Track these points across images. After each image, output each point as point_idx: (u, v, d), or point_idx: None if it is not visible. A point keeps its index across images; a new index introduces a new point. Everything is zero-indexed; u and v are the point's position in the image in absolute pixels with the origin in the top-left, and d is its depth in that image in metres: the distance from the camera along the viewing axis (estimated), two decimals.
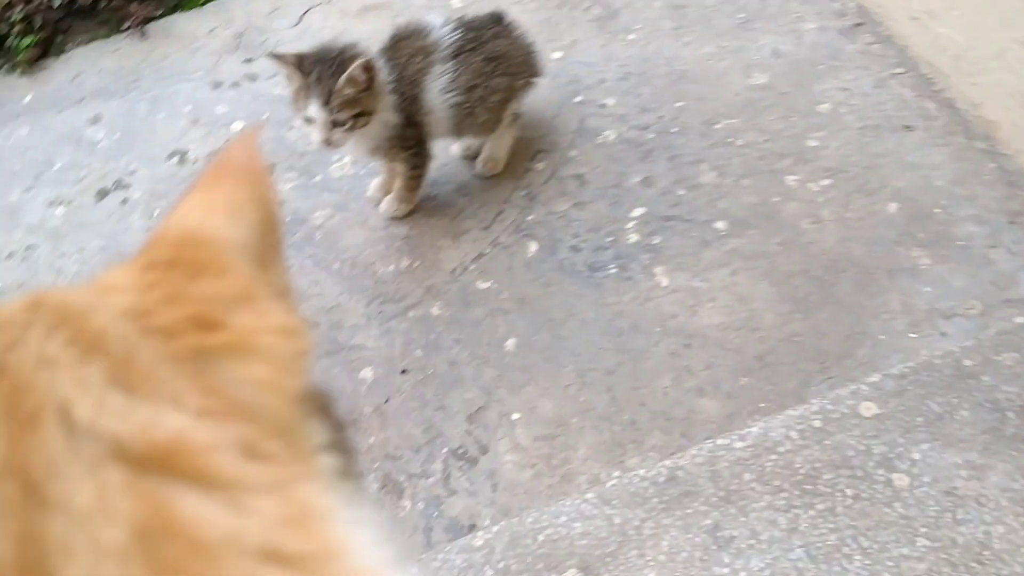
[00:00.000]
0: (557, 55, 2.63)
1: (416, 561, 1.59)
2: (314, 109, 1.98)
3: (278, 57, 2.03)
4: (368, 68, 1.98)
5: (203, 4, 3.00)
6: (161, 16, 2.96)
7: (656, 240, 2.24)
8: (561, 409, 1.99)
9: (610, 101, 2.52)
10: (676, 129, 2.44)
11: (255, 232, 0.49)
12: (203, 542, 0.31)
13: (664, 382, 2.01)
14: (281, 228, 0.53)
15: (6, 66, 2.88)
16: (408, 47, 2.14)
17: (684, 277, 2.17)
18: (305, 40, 2.81)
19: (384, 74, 2.07)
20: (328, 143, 2.03)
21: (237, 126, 2.61)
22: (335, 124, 2.00)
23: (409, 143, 2.18)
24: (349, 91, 1.98)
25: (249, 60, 2.79)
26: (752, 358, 2.02)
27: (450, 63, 2.13)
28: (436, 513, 1.88)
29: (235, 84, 2.73)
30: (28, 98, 2.79)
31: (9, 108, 2.76)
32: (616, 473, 1.87)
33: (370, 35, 2.75)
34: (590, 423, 1.96)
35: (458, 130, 2.25)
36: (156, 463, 0.33)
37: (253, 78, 2.73)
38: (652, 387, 2.00)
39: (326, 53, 2.02)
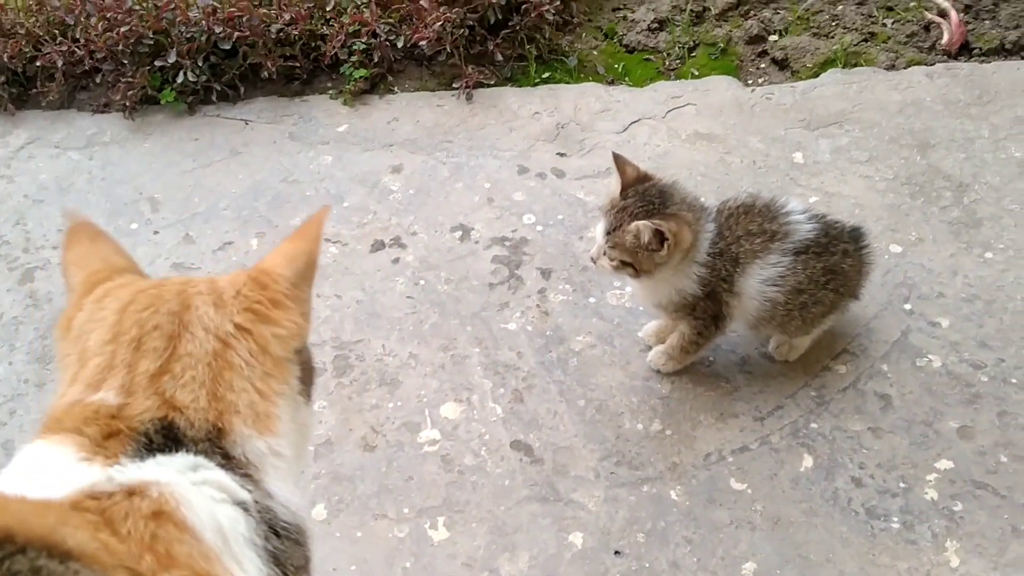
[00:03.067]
0: (896, 249, 2.29)
1: None
2: (599, 230, 1.90)
3: (620, 159, 1.90)
4: (659, 237, 1.80)
5: (536, 84, 2.91)
6: (492, 85, 2.89)
7: (957, 507, 1.84)
8: None
9: (944, 322, 2.14)
10: (1016, 380, 2.03)
11: (298, 271, 1.00)
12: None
13: None
14: (314, 271, 1.03)
15: (332, 91, 2.90)
16: (749, 223, 1.90)
17: (981, 565, 1.75)
18: (624, 151, 2.60)
19: (705, 244, 1.86)
20: (593, 262, 1.95)
21: (528, 219, 2.45)
22: (605, 254, 1.90)
23: (701, 315, 1.94)
24: (629, 240, 1.82)
25: (562, 155, 2.64)
26: None
27: (789, 258, 1.87)
28: None
29: (540, 175, 2.58)
30: (343, 128, 2.78)
31: (322, 133, 2.77)
32: None
33: (694, 164, 2.55)
34: None
35: (759, 324, 1.98)
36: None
37: (560, 174, 2.58)
38: None
39: (653, 192, 1.86)
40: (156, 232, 2.48)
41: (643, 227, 1.77)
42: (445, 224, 2.47)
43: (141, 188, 2.62)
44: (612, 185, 1.91)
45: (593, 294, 2.28)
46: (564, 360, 2.14)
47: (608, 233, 1.85)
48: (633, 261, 1.84)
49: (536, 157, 2.65)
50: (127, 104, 2.80)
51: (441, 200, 2.54)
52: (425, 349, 2.18)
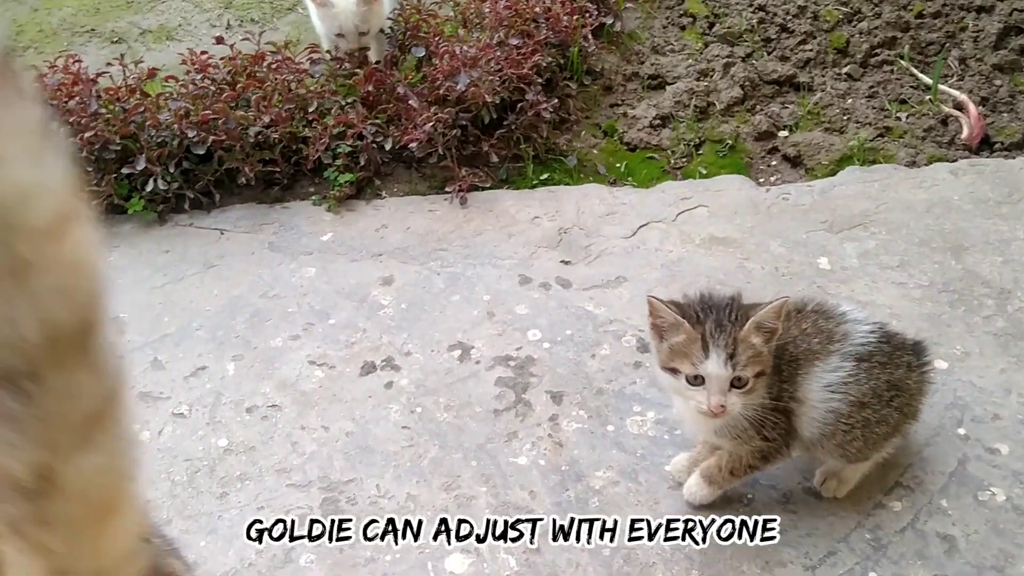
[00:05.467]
0: (941, 364, 2.08)
1: None
2: (713, 365, 1.56)
3: (660, 302, 1.61)
4: (781, 312, 1.58)
5: (534, 186, 2.72)
6: (488, 188, 2.71)
7: None
8: None
9: (1003, 448, 1.93)
10: None
11: None
12: None
13: None
14: None
15: (316, 196, 2.70)
16: (811, 321, 1.72)
17: None
18: (634, 258, 2.44)
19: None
20: (722, 409, 1.58)
21: (533, 335, 2.23)
22: (735, 385, 1.58)
23: (771, 430, 1.68)
24: (757, 340, 1.57)
25: (567, 262, 2.44)
26: None
27: (850, 363, 1.67)
28: None
29: (544, 285, 2.38)
30: (327, 236, 2.57)
31: (305, 242, 2.55)
32: None
33: (712, 272, 2.36)
34: None
35: (820, 441, 1.74)
36: None
37: (566, 284, 2.37)
38: None
39: (712, 300, 1.63)
40: (120, 357, 2.23)
41: (770, 309, 1.57)
42: (442, 342, 2.24)
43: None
44: (664, 331, 1.63)
45: (611, 421, 2.04)
46: (584, 500, 1.89)
47: (731, 359, 1.55)
48: (764, 366, 1.59)
49: (539, 266, 2.44)
50: None
51: (437, 315, 2.32)
52: (425, 489, 1.93)
